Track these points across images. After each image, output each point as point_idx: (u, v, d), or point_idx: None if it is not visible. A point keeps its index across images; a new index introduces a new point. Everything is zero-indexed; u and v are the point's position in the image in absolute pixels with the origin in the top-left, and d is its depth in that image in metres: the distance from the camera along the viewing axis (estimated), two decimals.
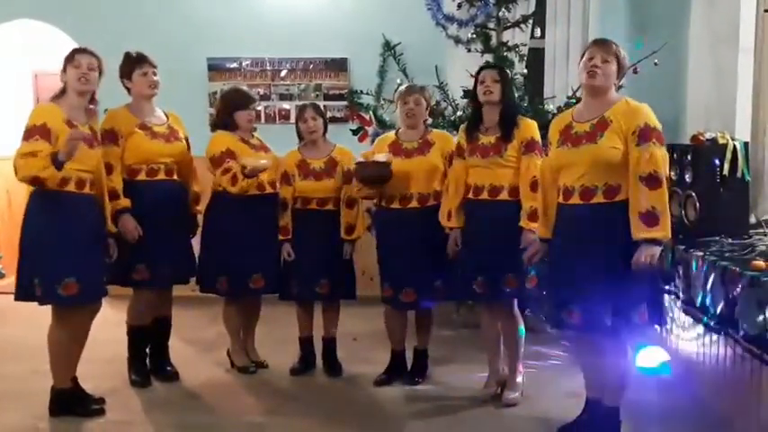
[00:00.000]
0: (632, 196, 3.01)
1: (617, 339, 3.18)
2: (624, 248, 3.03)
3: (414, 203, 3.93)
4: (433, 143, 3.96)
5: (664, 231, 2.99)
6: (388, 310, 4.10)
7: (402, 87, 4.15)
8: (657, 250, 3.01)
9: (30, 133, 3.43)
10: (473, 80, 4.96)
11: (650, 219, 2.97)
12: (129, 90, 4.03)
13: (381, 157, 3.87)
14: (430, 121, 4.21)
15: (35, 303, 3.55)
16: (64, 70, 3.59)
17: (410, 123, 4.00)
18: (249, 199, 4.10)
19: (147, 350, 4.21)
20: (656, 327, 3.24)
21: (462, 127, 3.91)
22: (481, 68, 3.92)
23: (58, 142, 3.42)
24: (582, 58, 3.18)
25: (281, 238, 4.20)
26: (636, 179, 3.00)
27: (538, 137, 3.70)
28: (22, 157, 3.39)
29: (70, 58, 3.59)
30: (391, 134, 4.13)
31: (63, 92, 3.60)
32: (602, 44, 3.18)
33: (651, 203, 2.97)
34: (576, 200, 3.13)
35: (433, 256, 3.90)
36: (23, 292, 3.54)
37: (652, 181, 2.98)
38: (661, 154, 3.02)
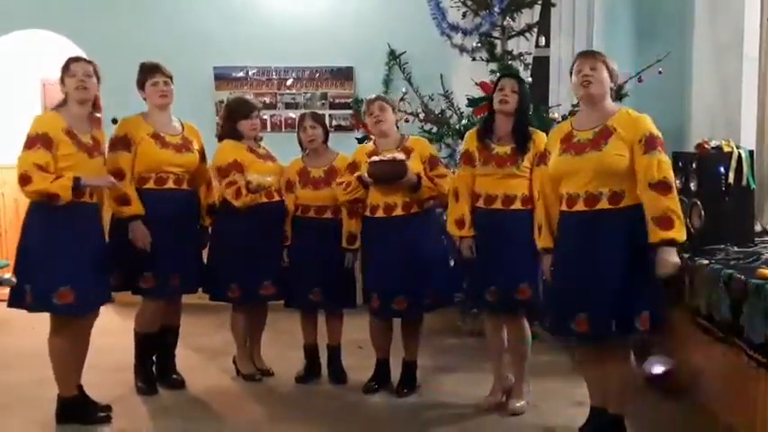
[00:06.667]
0: (645, 203, 3.04)
1: (620, 346, 3.19)
2: (629, 254, 3.05)
3: (398, 211, 3.92)
4: (412, 150, 3.98)
5: (678, 233, 3.01)
6: (374, 320, 4.10)
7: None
8: (674, 253, 3.02)
9: (31, 142, 3.44)
10: (478, 88, 5.06)
11: (665, 221, 3.00)
12: (145, 100, 4.06)
13: (399, 155, 3.87)
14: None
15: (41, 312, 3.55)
16: (62, 81, 3.59)
17: (380, 130, 4.00)
18: (258, 206, 4.12)
19: (154, 358, 4.22)
20: (659, 333, 3.23)
21: (471, 134, 3.85)
22: (502, 76, 3.94)
23: (57, 151, 3.43)
24: (572, 74, 3.22)
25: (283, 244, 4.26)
26: (646, 186, 3.03)
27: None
28: (35, 170, 3.38)
29: (65, 68, 3.58)
30: (370, 144, 4.12)
31: (64, 102, 3.60)
32: (587, 54, 3.27)
33: (665, 206, 3.00)
34: (580, 206, 3.14)
35: (420, 264, 3.89)
36: (15, 298, 3.54)
37: (663, 187, 3.02)
38: (666, 160, 3.08)
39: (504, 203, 3.70)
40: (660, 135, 3.10)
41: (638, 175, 3.05)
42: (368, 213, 4.00)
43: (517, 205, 3.69)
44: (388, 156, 3.87)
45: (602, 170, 3.09)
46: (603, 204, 3.09)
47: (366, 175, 3.90)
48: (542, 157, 3.58)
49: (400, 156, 3.87)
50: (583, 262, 3.13)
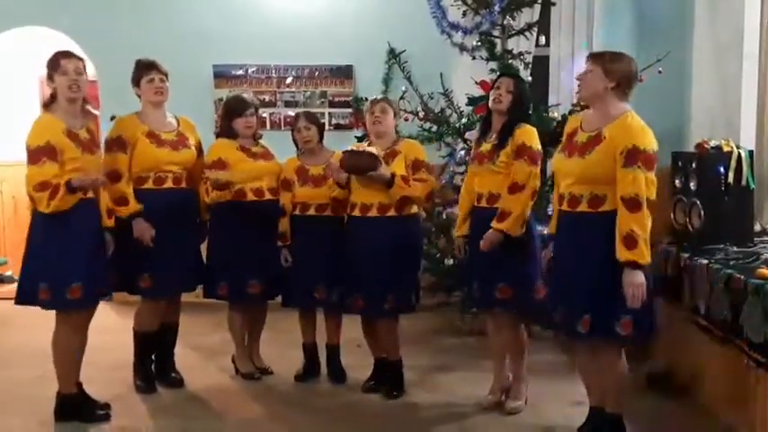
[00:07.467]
0: (617, 217, 3.00)
1: (612, 346, 3.18)
2: (606, 258, 3.01)
3: (373, 212, 3.92)
4: (399, 152, 3.97)
5: (640, 256, 2.94)
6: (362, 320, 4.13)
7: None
8: (639, 275, 2.96)
9: (36, 156, 3.39)
10: (478, 87, 5.05)
11: (629, 241, 2.95)
12: (140, 97, 4.04)
13: (373, 149, 3.89)
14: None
15: (38, 308, 3.55)
16: (50, 78, 3.52)
17: (377, 131, 4.01)
18: (249, 205, 4.13)
19: (153, 356, 4.21)
20: (647, 338, 3.24)
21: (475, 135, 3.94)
22: (500, 75, 3.95)
23: (63, 156, 3.42)
24: None
25: (279, 244, 4.22)
26: (619, 199, 2.99)
27: (531, 143, 3.63)
28: (37, 189, 3.38)
29: (56, 65, 3.50)
30: (363, 144, 4.17)
31: (53, 99, 3.54)
32: (587, 57, 3.25)
33: (630, 226, 2.95)
34: (565, 206, 3.18)
35: (384, 267, 3.88)
36: (26, 296, 3.54)
37: (632, 204, 2.95)
38: (644, 178, 2.95)
39: (489, 201, 3.71)
40: (650, 150, 2.97)
41: (616, 186, 3.01)
42: (347, 211, 4.04)
43: (500, 204, 3.67)
44: (362, 148, 3.91)
45: (583, 176, 3.10)
46: (583, 207, 3.10)
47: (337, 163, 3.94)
48: (521, 151, 3.60)
49: (372, 149, 3.88)
50: (565, 259, 3.19)
